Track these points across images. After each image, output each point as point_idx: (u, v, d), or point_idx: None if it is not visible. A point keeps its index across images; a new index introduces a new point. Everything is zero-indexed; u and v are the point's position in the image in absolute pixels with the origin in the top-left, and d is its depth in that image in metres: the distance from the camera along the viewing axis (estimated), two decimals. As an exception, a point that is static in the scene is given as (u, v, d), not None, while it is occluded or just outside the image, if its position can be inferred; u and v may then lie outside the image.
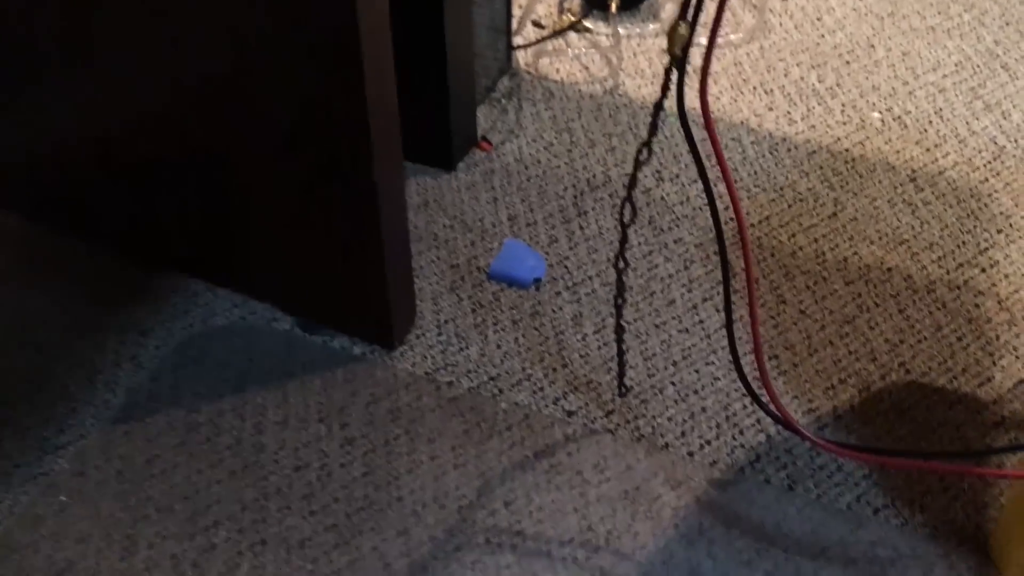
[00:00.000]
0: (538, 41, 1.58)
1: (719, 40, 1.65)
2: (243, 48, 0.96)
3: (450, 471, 1.03)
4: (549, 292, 1.22)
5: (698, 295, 1.21)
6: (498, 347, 1.15)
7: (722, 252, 0.88)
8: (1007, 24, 1.62)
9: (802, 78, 1.53)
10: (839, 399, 1.10)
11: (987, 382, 1.12)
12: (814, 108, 1.48)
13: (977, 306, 1.20)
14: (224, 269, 1.22)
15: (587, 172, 1.38)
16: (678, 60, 0.74)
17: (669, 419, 1.08)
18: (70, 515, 0.99)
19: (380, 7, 0.90)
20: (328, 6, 0.87)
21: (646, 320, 1.18)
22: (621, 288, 0.98)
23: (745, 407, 1.08)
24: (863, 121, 1.45)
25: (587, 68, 1.55)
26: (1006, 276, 1.24)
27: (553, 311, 1.20)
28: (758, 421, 1.07)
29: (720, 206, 0.87)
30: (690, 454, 1.04)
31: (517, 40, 1.57)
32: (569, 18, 1.61)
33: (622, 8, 1.60)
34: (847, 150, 1.41)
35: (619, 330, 1.04)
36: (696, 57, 0.75)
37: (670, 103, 0.79)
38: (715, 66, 1.55)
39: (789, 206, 1.33)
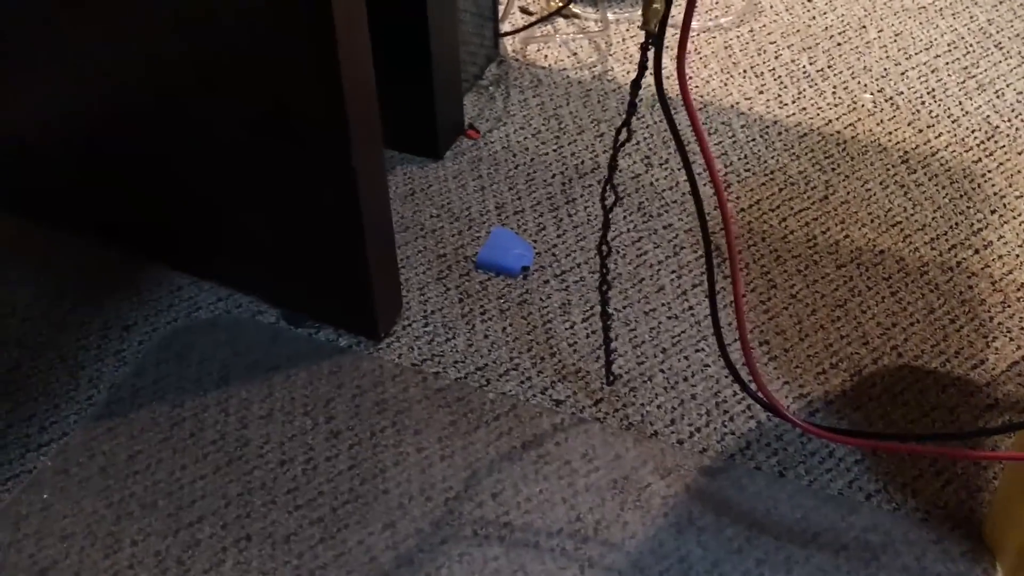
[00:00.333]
0: (526, 27, 1.56)
1: (709, 24, 1.62)
2: (217, 30, 0.94)
3: (437, 463, 1.02)
4: (537, 280, 1.21)
5: (688, 281, 1.20)
6: (485, 337, 1.14)
7: (706, 239, 0.86)
8: (1000, 2, 1.60)
9: (793, 60, 1.51)
10: (831, 384, 1.09)
11: (980, 364, 1.10)
12: (805, 90, 1.46)
13: (970, 287, 1.19)
14: (208, 261, 1.20)
15: (575, 159, 1.36)
16: (654, 36, 0.73)
17: (658, 407, 1.06)
18: (53, 513, 0.98)
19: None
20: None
21: (635, 307, 1.17)
22: (605, 274, 0.96)
23: (735, 394, 1.07)
24: (855, 103, 1.44)
25: (575, 54, 1.53)
26: (999, 257, 1.22)
27: (541, 299, 1.18)
28: (748, 408, 1.06)
29: (708, 192, 0.86)
30: (679, 442, 1.03)
31: (504, 26, 1.55)
32: (557, 3, 1.59)
33: (610, -8, 1.58)
34: (838, 132, 1.39)
35: (605, 317, 1.02)
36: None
37: (648, 81, 0.78)
38: (705, 49, 1.54)
39: (780, 190, 1.32)
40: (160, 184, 1.14)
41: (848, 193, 1.31)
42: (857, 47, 1.53)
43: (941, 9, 1.59)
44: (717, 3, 1.62)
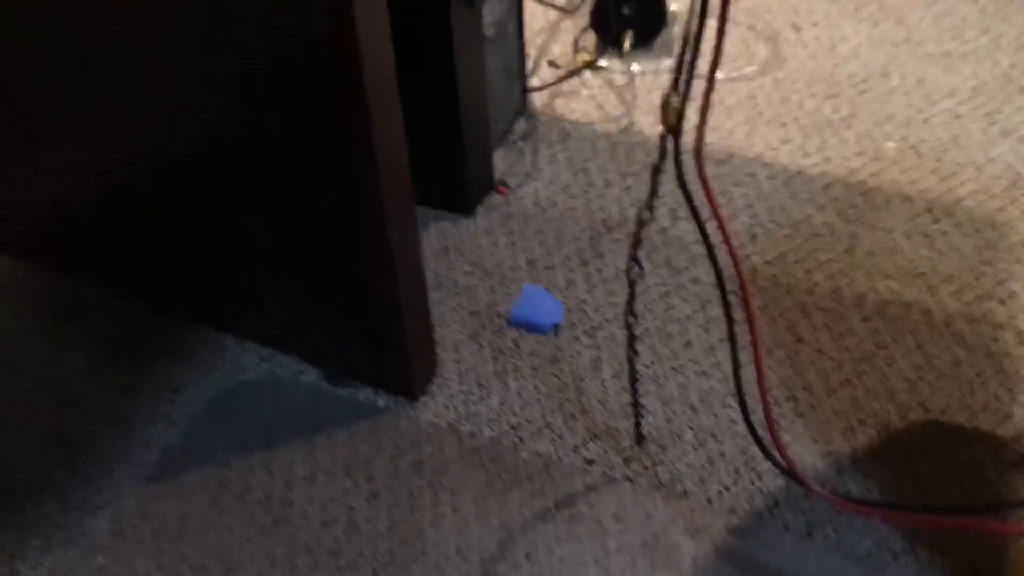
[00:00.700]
0: (554, 83, 1.60)
1: (733, 75, 1.65)
2: (256, 107, 0.98)
3: (472, 523, 1.05)
4: (568, 337, 1.24)
5: (715, 336, 1.23)
6: (518, 395, 1.18)
7: (727, 315, 0.89)
8: (1023, 47, 1.61)
9: (817, 109, 1.54)
10: (858, 441, 1.11)
11: (1007, 419, 1.12)
12: (828, 139, 1.48)
13: (996, 340, 1.20)
14: (250, 323, 1.25)
15: (603, 212, 1.40)
16: (673, 130, 0.76)
17: (688, 465, 1.09)
18: None
19: (384, 55, 0.90)
20: (330, 55, 0.87)
21: (664, 363, 1.20)
22: (632, 342, 1.00)
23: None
24: (878, 151, 1.46)
25: (602, 107, 1.57)
26: (1025, 308, 1.24)
27: (572, 356, 1.22)
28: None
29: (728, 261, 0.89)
30: (709, 501, 1.06)
31: (533, 82, 1.59)
32: (584, 58, 1.63)
33: (635, 46, 1.62)
34: (862, 181, 1.42)
35: (633, 381, 1.05)
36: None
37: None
38: (729, 100, 1.57)
39: (805, 241, 1.34)
40: (205, 248, 1.19)
41: (873, 244, 1.33)
42: (880, 94, 1.55)
43: (964, 55, 1.61)
44: (741, 54, 1.65)
